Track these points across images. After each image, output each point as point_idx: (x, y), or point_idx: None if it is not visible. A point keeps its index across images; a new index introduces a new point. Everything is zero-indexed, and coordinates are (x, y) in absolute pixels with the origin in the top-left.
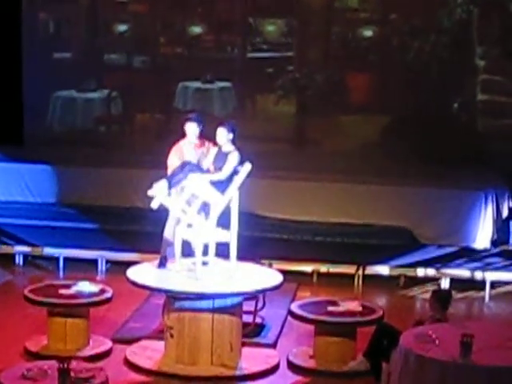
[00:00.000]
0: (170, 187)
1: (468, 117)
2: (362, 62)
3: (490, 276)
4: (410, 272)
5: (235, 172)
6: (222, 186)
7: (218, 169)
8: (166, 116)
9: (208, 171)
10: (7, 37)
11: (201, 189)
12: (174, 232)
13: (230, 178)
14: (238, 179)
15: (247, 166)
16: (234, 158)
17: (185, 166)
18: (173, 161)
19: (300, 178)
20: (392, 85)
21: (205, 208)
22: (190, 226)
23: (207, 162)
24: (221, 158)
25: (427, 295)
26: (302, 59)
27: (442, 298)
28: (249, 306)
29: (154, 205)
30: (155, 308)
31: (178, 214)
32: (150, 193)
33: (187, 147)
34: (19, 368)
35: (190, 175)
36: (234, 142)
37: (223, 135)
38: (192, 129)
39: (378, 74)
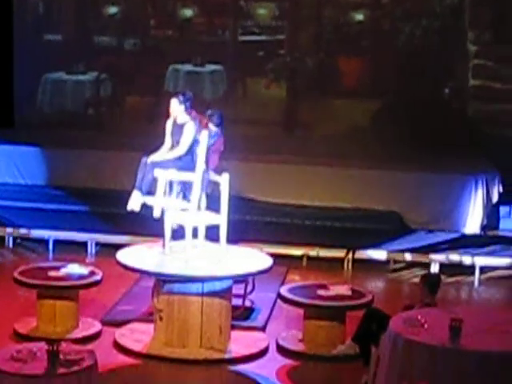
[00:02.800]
0: (142, 193)
1: (459, 102)
2: (354, 46)
3: (480, 261)
4: (399, 256)
5: (196, 143)
6: (191, 163)
7: (176, 142)
8: (157, 99)
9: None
10: None
11: (172, 175)
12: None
13: (194, 152)
14: (201, 149)
15: (205, 133)
16: (189, 129)
17: (145, 166)
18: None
19: (290, 162)
20: (383, 69)
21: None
22: (180, 210)
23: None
24: (177, 130)
25: (416, 280)
26: (294, 43)
27: (430, 283)
28: (238, 289)
29: (136, 207)
30: (145, 291)
31: (162, 206)
32: (129, 208)
33: (169, 124)
34: (8, 350)
35: (155, 171)
36: (221, 124)
37: (176, 106)
38: (174, 105)
39: (369, 59)
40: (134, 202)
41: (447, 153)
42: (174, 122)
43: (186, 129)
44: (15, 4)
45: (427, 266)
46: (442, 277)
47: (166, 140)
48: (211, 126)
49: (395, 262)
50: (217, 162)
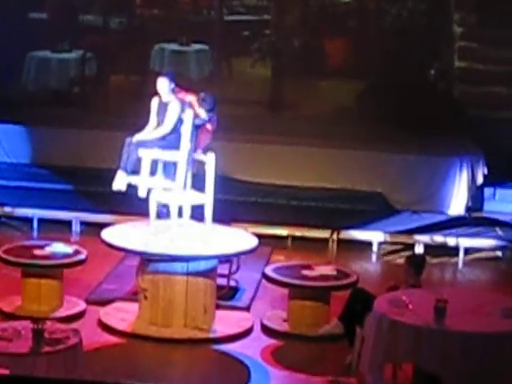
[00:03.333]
0: (127, 173)
1: (445, 83)
2: (340, 26)
3: (464, 242)
4: (384, 237)
5: (181, 122)
6: (176, 142)
7: (161, 121)
8: (142, 78)
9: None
10: None
11: (157, 154)
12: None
13: (178, 131)
14: (186, 129)
15: (189, 112)
16: (173, 107)
17: (129, 146)
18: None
19: (276, 142)
20: (369, 50)
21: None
22: (165, 189)
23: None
24: (162, 109)
25: (401, 260)
26: (279, 23)
27: (416, 263)
28: (223, 269)
29: (121, 187)
30: (129, 270)
31: (147, 186)
32: (114, 188)
33: (154, 104)
34: None
35: (139, 151)
36: (214, 109)
37: (165, 85)
38: (162, 84)
39: (355, 39)
40: (119, 182)
41: (432, 134)
42: (160, 100)
43: (171, 107)
44: None
45: (412, 246)
46: (427, 258)
47: (151, 119)
48: (200, 111)
49: (380, 242)
50: (208, 141)
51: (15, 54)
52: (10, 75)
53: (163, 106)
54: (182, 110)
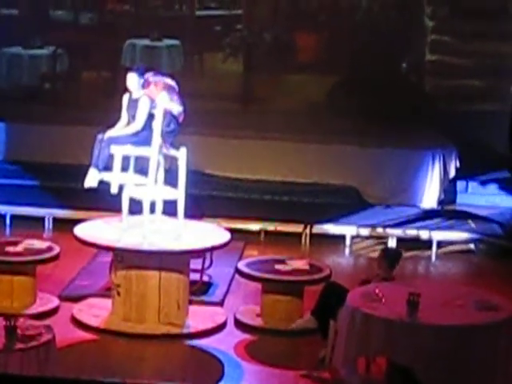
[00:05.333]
0: (99, 170)
1: (416, 77)
2: (311, 20)
3: (437, 235)
4: (357, 231)
5: (152, 117)
6: (147, 137)
7: (132, 117)
8: (113, 73)
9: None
10: None
11: (128, 150)
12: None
13: (150, 126)
14: (157, 124)
15: (160, 108)
16: (143, 104)
17: (101, 142)
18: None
19: (247, 137)
20: (341, 44)
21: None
22: (137, 185)
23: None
24: (133, 105)
25: (374, 254)
26: (251, 17)
27: (391, 257)
28: (196, 264)
29: (93, 184)
30: (102, 266)
31: (120, 183)
32: (86, 186)
33: (125, 100)
34: None
35: (111, 147)
36: (181, 98)
37: (134, 81)
38: (131, 79)
39: (326, 33)
40: (91, 179)
41: (404, 128)
42: (130, 97)
43: (141, 104)
44: None
45: (385, 240)
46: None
47: (123, 115)
48: (172, 105)
49: (353, 236)
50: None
51: None
52: None
53: (134, 102)
54: (153, 106)
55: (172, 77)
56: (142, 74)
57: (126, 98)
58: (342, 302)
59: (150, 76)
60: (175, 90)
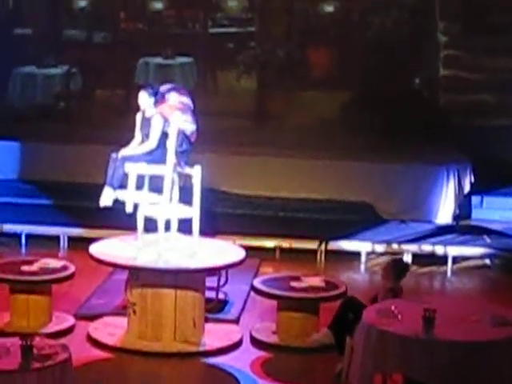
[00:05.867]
0: (114, 189)
1: (430, 92)
2: (324, 37)
3: (452, 251)
4: (372, 247)
5: (166, 136)
6: (161, 155)
7: (145, 136)
8: (127, 92)
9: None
10: None
11: (142, 169)
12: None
13: (164, 144)
14: (171, 143)
15: (174, 127)
16: (157, 122)
17: (115, 161)
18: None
19: (262, 154)
20: (354, 60)
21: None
22: (152, 203)
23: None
24: (146, 124)
25: None
26: (264, 35)
27: (399, 267)
28: (211, 281)
29: (108, 203)
30: (118, 284)
31: (134, 201)
32: (101, 204)
33: (138, 118)
34: None
35: (125, 166)
36: (195, 116)
37: (145, 99)
38: (142, 98)
39: (339, 50)
40: (106, 198)
41: (419, 143)
42: (143, 115)
43: (154, 122)
44: None
45: (400, 256)
46: (415, 267)
47: (136, 134)
48: (186, 124)
49: (368, 252)
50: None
51: (1, 69)
52: None
53: (147, 121)
54: (166, 124)
55: (187, 91)
56: (153, 92)
57: (139, 116)
58: (359, 318)
59: (166, 90)
60: (189, 108)
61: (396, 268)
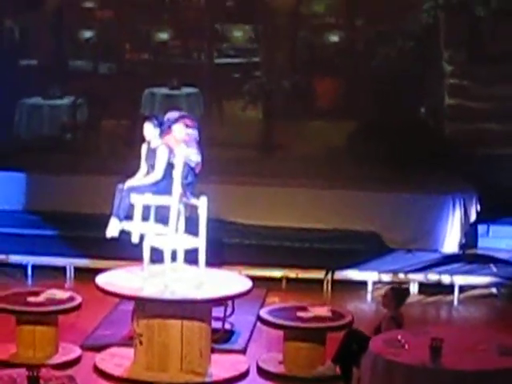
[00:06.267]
0: (120, 219)
1: (435, 121)
2: (329, 67)
3: (459, 280)
4: (378, 277)
5: (172, 166)
6: (167, 186)
7: (151, 166)
8: (133, 122)
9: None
10: None
11: (148, 200)
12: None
13: (170, 175)
14: (177, 173)
15: (180, 158)
16: (162, 152)
17: (121, 192)
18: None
19: (268, 184)
20: (359, 90)
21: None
22: (158, 234)
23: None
24: (151, 154)
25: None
26: (269, 65)
27: (399, 294)
28: (218, 312)
29: (114, 233)
30: (124, 315)
31: (141, 232)
32: (107, 235)
33: (143, 149)
34: None
35: (131, 197)
36: (200, 146)
37: (150, 130)
38: (147, 129)
39: (344, 79)
40: (113, 229)
41: (424, 172)
42: (148, 146)
43: (159, 152)
44: None
45: (406, 286)
46: (421, 297)
47: (142, 165)
48: (191, 154)
49: (374, 282)
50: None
51: (7, 101)
52: (2, 122)
53: (152, 152)
54: (171, 155)
55: (193, 119)
56: (158, 123)
57: (144, 147)
58: (363, 349)
59: (172, 120)
60: (195, 140)
61: (397, 295)
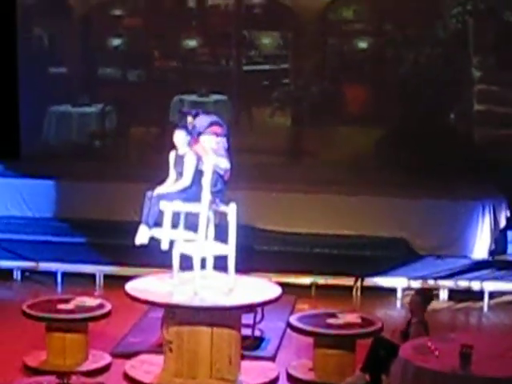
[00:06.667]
0: (149, 227)
1: (465, 127)
2: (357, 73)
3: (488, 286)
4: (408, 283)
5: (201, 173)
6: (196, 194)
7: (179, 174)
8: (161, 129)
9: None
10: (3, 53)
11: (178, 206)
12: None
13: (199, 181)
14: (206, 180)
15: (209, 165)
16: (190, 159)
17: (150, 200)
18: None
19: (297, 190)
20: (388, 96)
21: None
22: (187, 240)
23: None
24: (179, 162)
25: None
26: (297, 71)
27: (426, 298)
28: (247, 319)
29: (144, 241)
30: (154, 322)
31: (170, 239)
32: (137, 242)
33: (171, 157)
34: None
35: (160, 203)
36: (229, 152)
37: (182, 138)
38: (179, 137)
39: (373, 86)
40: (142, 236)
41: (454, 178)
42: (176, 153)
43: (187, 159)
44: (19, 37)
45: (436, 292)
46: (451, 303)
47: (170, 172)
48: (220, 161)
49: (404, 288)
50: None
51: (36, 108)
52: (32, 130)
53: (180, 159)
54: (199, 162)
55: (223, 124)
56: (188, 131)
57: (172, 155)
58: (391, 357)
59: (201, 128)
60: (223, 148)
61: (424, 299)
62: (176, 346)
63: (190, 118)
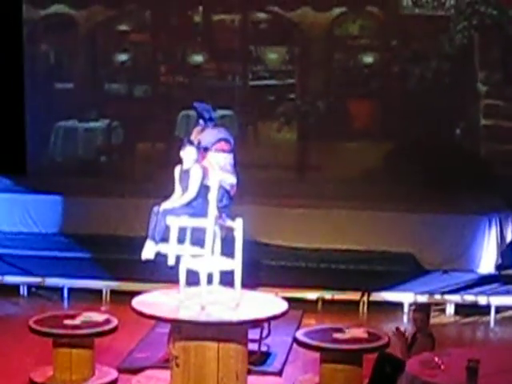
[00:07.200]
0: (156, 242)
1: (471, 142)
2: (364, 88)
3: (495, 301)
4: (414, 298)
5: (207, 188)
6: (203, 209)
7: (185, 188)
8: (168, 145)
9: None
10: (9, 68)
11: (184, 222)
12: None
13: (205, 196)
14: (213, 195)
15: (215, 180)
16: (195, 172)
17: (156, 215)
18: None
19: (303, 205)
20: (394, 111)
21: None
22: (194, 256)
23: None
24: (185, 176)
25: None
26: (304, 86)
27: (428, 312)
28: (254, 334)
29: (150, 256)
30: (160, 337)
31: (176, 254)
32: (143, 258)
33: (177, 173)
34: None
35: (167, 218)
36: (235, 167)
37: (192, 154)
38: (189, 153)
39: (379, 101)
40: (148, 251)
41: (460, 193)
42: (181, 168)
43: (192, 172)
44: (26, 53)
45: (443, 307)
46: (457, 318)
47: (176, 187)
48: (226, 176)
49: (410, 303)
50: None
51: (43, 124)
52: (38, 145)
53: (185, 173)
54: (206, 177)
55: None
56: (198, 148)
57: (177, 170)
58: (397, 372)
59: (208, 142)
60: (230, 163)
61: (427, 313)
62: (182, 362)
63: (195, 133)
